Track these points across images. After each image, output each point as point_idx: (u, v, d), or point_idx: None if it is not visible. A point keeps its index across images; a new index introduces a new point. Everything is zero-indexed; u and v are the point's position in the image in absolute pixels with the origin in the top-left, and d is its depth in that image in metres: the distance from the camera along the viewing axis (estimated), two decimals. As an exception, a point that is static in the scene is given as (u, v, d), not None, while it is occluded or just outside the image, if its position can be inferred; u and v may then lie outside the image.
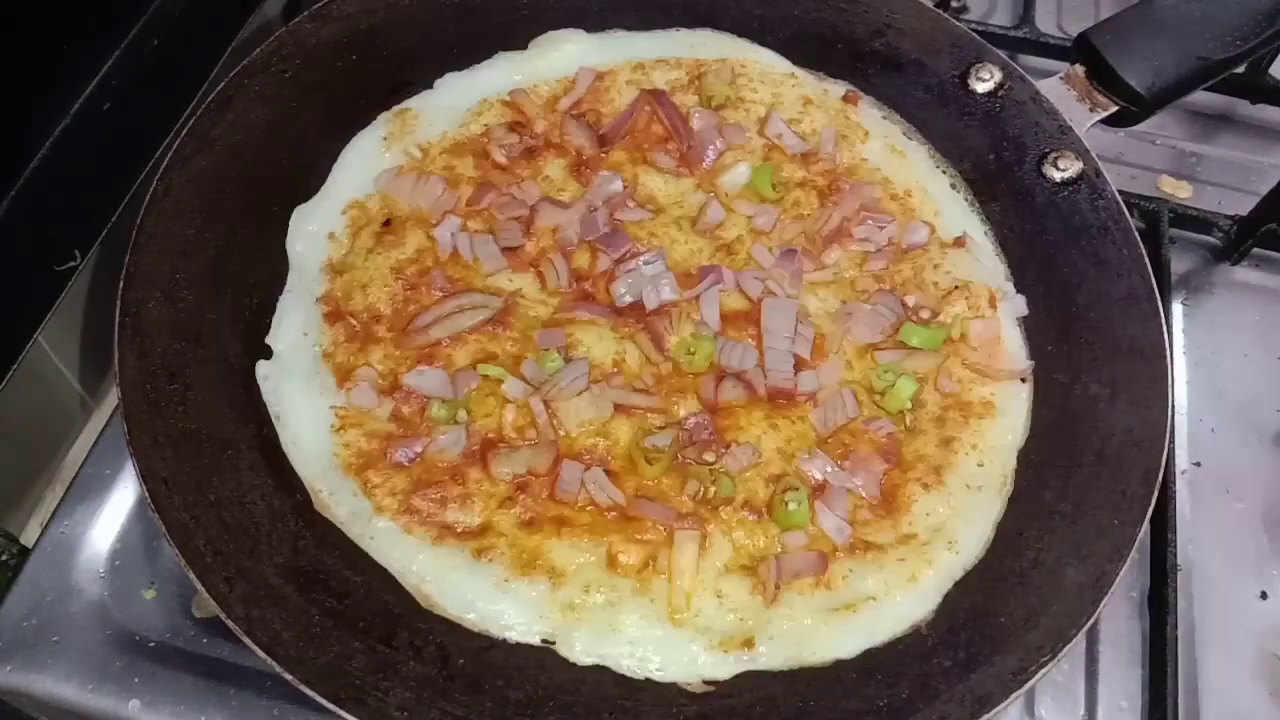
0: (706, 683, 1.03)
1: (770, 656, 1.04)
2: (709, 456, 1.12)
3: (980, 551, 1.11)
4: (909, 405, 1.19)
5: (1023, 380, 1.22)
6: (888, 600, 1.07)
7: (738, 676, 1.03)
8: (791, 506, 1.10)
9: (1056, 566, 1.08)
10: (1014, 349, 1.24)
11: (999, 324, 1.24)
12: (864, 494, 1.13)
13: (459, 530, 1.08)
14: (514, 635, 1.04)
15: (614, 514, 1.09)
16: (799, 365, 1.19)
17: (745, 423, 1.16)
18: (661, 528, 1.08)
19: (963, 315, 1.24)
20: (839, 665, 1.04)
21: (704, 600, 1.06)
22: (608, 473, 1.11)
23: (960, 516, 1.13)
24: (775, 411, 1.17)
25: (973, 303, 1.24)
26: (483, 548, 1.07)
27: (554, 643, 1.03)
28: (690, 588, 1.06)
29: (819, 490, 1.13)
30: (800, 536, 1.10)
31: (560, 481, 1.10)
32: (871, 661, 1.04)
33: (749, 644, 1.04)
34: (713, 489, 1.11)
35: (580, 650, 1.03)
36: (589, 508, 1.10)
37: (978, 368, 1.21)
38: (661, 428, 1.15)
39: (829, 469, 1.13)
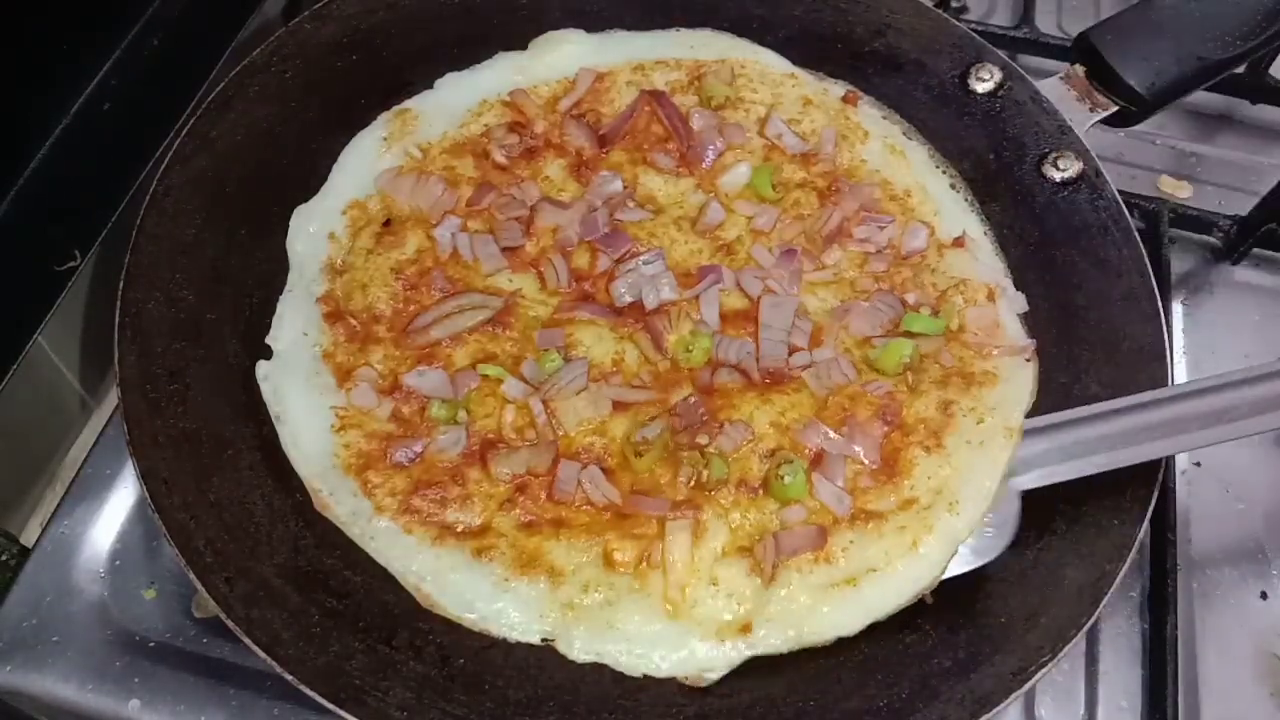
0: (706, 674, 1.02)
1: (769, 639, 1.03)
2: (702, 439, 1.11)
3: (984, 508, 1.10)
4: (907, 360, 1.18)
5: (1026, 360, 1.21)
6: (888, 571, 1.06)
7: (737, 676, 1.03)
8: (786, 479, 1.09)
9: (1056, 566, 1.08)
10: (1013, 331, 1.24)
11: (996, 311, 1.23)
12: (865, 460, 1.12)
13: (459, 530, 1.08)
14: (514, 634, 1.04)
15: (609, 513, 1.09)
16: (794, 352, 1.19)
17: (739, 400, 1.15)
18: (655, 521, 1.08)
19: (960, 307, 1.24)
20: (839, 665, 1.04)
21: (699, 590, 1.05)
22: (604, 470, 1.11)
23: (961, 476, 1.12)
24: (769, 389, 1.17)
25: (969, 297, 1.24)
26: (482, 548, 1.07)
27: (553, 641, 1.03)
28: (684, 579, 1.05)
29: (816, 461, 1.12)
30: (799, 511, 1.09)
31: (558, 482, 1.10)
32: (871, 661, 1.04)
33: (746, 629, 1.03)
34: (705, 472, 1.10)
35: (579, 649, 1.03)
36: (586, 507, 1.10)
37: (980, 348, 1.21)
38: (654, 418, 1.14)
39: (827, 436, 1.13)
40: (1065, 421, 1.13)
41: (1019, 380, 1.20)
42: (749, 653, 1.03)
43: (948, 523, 1.09)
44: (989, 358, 1.21)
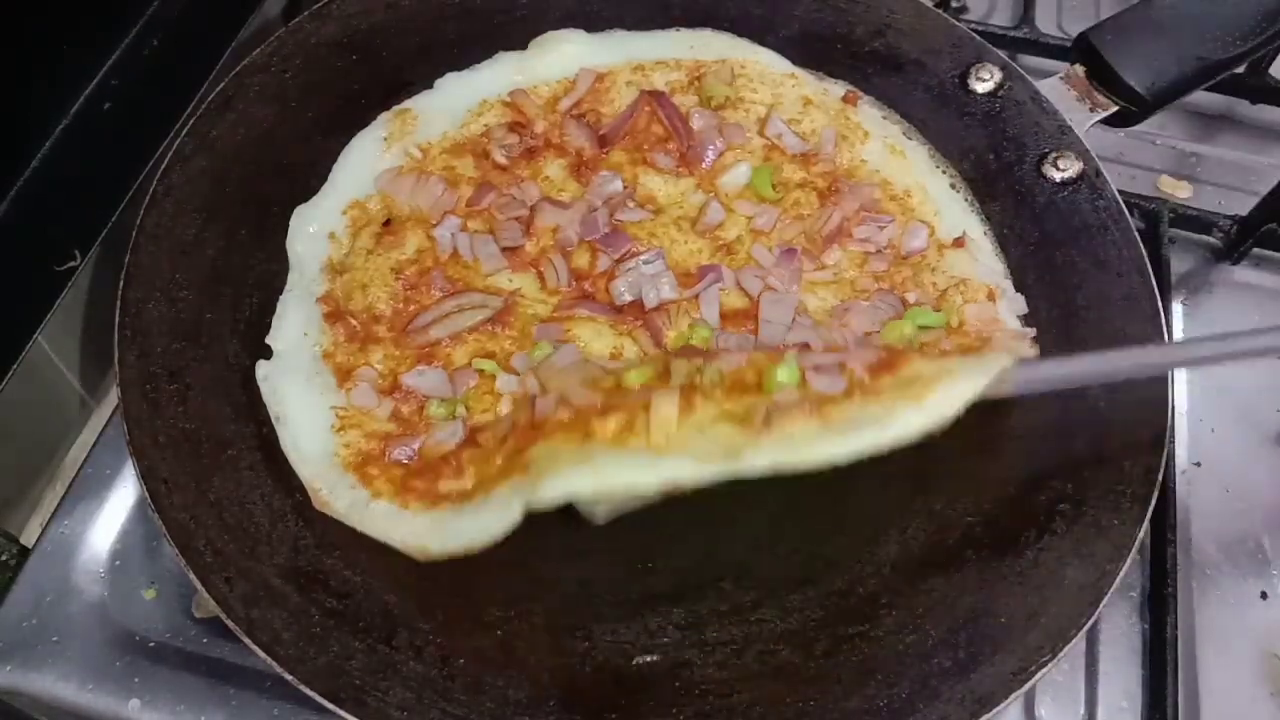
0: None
1: (758, 460, 0.98)
2: (697, 360, 1.09)
3: (989, 378, 1.05)
4: (908, 339, 1.18)
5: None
6: (888, 419, 1.01)
7: (736, 675, 1.03)
8: (781, 373, 1.04)
9: (1056, 566, 1.08)
10: (1013, 325, 1.23)
11: (995, 308, 1.23)
12: (859, 366, 1.06)
13: (454, 495, 1.08)
14: (498, 531, 1.01)
15: (594, 410, 1.05)
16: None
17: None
18: (640, 407, 1.02)
19: (959, 304, 1.23)
20: (839, 665, 1.04)
21: (685, 436, 1.00)
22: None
23: (965, 367, 1.06)
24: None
25: (969, 296, 1.24)
26: (471, 494, 1.07)
27: (528, 507, 0.99)
28: (669, 431, 1.00)
29: (811, 370, 1.08)
30: (791, 393, 1.04)
31: (536, 410, 1.07)
32: (871, 661, 1.04)
33: (734, 453, 0.99)
34: (699, 377, 1.05)
35: (548, 495, 0.98)
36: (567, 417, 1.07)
37: (979, 335, 1.21)
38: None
39: (819, 356, 1.09)
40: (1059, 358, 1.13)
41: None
42: (732, 471, 0.98)
43: (953, 385, 1.03)
44: (989, 342, 1.20)
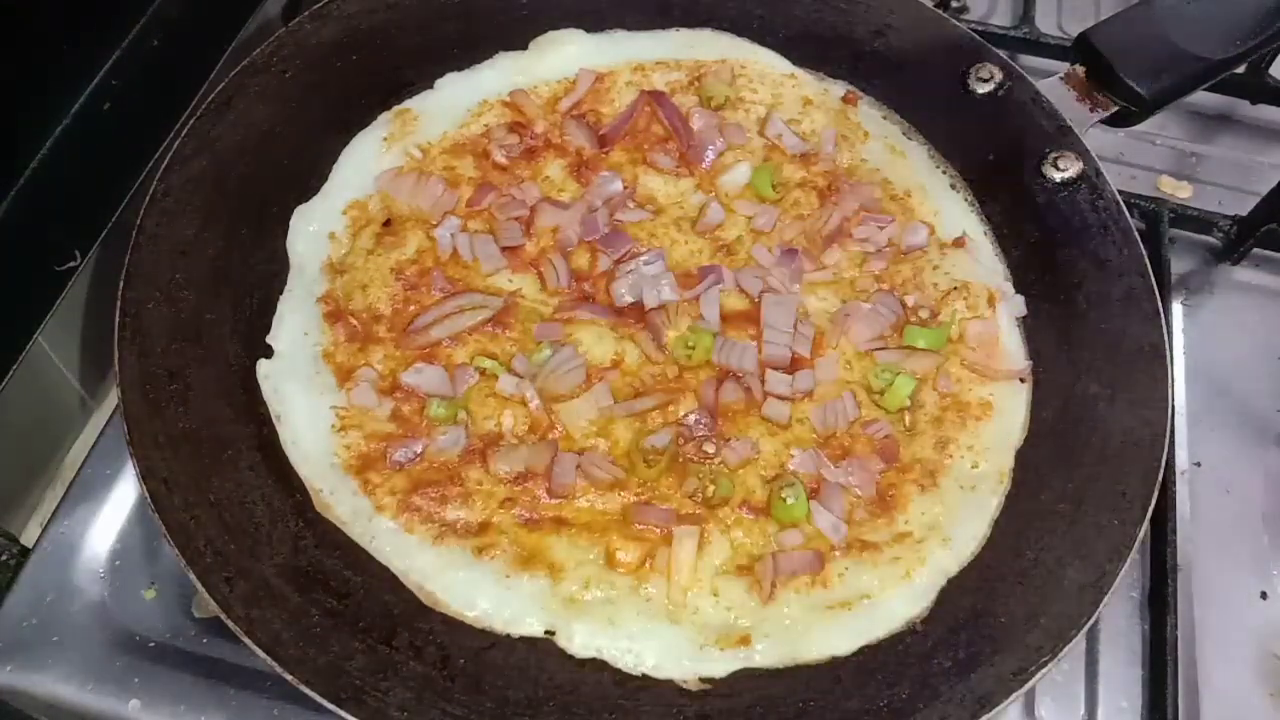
0: (703, 680, 1.03)
1: (766, 655, 1.04)
2: (708, 448, 1.13)
3: (975, 548, 1.12)
4: (908, 404, 1.19)
5: (1021, 380, 1.22)
6: (882, 598, 1.07)
7: (737, 676, 1.03)
8: (789, 500, 1.10)
9: (1056, 566, 1.08)
10: (1013, 349, 1.24)
11: (997, 325, 1.24)
12: (859, 493, 1.13)
13: (459, 528, 1.08)
14: (516, 629, 1.04)
15: (613, 514, 1.10)
16: (796, 364, 1.19)
17: (744, 426, 1.16)
18: (658, 529, 1.09)
19: (961, 315, 1.24)
20: (836, 664, 1.04)
21: (700, 598, 1.06)
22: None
23: (955, 514, 1.13)
24: (775, 427, 1.17)
25: (971, 303, 1.25)
26: (484, 545, 1.07)
27: (554, 633, 1.04)
28: (687, 584, 1.06)
29: (814, 491, 1.13)
30: (797, 536, 1.10)
31: (555, 475, 1.10)
32: (871, 661, 1.04)
33: (745, 641, 1.04)
34: (711, 488, 1.11)
35: (579, 643, 1.03)
36: (587, 505, 1.10)
37: (976, 368, 1.21)
38: (664, 425, 1.15)
39: (825, 467, 1.14)
40: None
41: (1013, 408, 1.20)
42: (747, 664, 1.04)
43: (939, 557, 1.10)
44: (986, 383, 1.21)
